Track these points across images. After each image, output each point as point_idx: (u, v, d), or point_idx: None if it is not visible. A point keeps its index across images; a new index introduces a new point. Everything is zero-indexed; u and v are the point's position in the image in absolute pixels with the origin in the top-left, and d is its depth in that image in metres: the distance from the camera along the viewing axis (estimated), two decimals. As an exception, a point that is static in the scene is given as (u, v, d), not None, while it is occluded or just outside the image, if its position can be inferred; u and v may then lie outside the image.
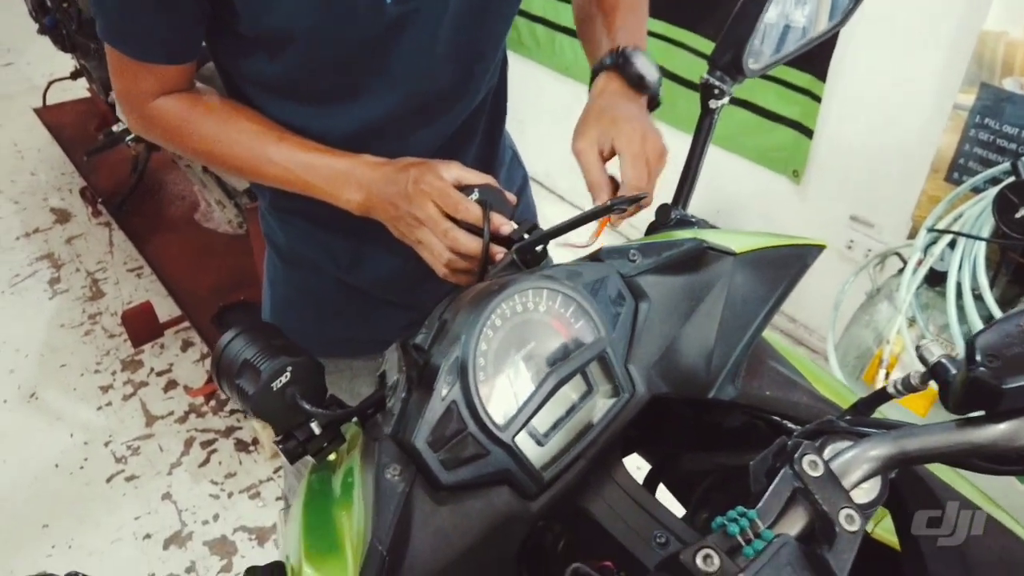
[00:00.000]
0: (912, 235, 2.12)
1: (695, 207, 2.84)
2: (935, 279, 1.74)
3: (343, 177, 0.83)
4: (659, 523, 0.63)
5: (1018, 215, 1.48)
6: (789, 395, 0.72)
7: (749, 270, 0.69)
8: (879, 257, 1.95)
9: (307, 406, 0.63)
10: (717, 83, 0.73)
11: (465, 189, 0.78)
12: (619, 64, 0.86)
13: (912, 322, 1.76)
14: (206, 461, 2.12)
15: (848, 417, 0.62)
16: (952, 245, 1.69)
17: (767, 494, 0.51)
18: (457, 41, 0.84)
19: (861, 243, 2.24)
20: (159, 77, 0.84)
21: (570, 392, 0.61)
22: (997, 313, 1.62)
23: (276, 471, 2.08)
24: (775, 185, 2.35)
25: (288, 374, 0.63)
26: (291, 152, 0.84)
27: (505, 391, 0.59)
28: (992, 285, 1.66)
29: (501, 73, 0.96)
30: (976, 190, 1.75)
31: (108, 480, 2.07)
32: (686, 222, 0.76)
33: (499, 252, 0.74)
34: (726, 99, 0.74)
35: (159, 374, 2.41)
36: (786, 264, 0.70)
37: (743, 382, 0.71)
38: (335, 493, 0.64)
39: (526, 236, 0.76)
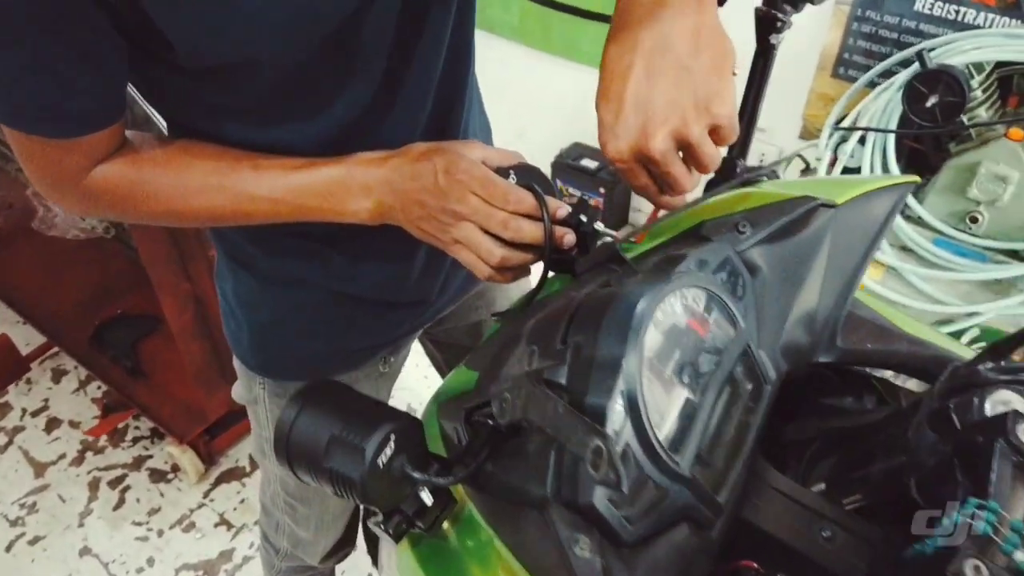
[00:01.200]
0: (804, 135, 2.18)
1: (586, 134, 2.74)
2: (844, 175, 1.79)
3: (342, 187, 0.69)
4: (821, 516, 0.58)
5: (928, 104, 1.53)
6: (889, 344, 0.68)
7: (847, 219, 0.63)
8: (785, 161, 1.99)
9: (418, 475, 0.52)
10: (778, 14, 0.64)
11: (499, 172, 0.66)
12: None
13: (829, 220, 1.81)
14: (121, 502, 1.88)
15: (990, 364, 0.59)
16: (862, 141, 1.73)
17: (994, 476, 0.47)
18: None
19: (754, 149, 2.27)
20: (89, 149, 0.65)
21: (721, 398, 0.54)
22: (909, 198, 1.69)
23: (206, 495, 1.88)
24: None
25: (392, 443, 0.51)
26: (273, 180, 0.69)
27: (667, 416, 0.50)
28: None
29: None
30: (871, 84, 1.80)
31: (8, 548, 1.79)
32: (752, 174, 0.68)
33: (564, 234, 0.65)
34: (787, 30, 0.66)
35: (34, 414, 2.10)
36: (881, 205, 0.65)
37: (841, 338, 0.66)
38: (467, 570, 0.54)
39: (583, 218, 0.66)
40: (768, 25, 0.64)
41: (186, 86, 0.66)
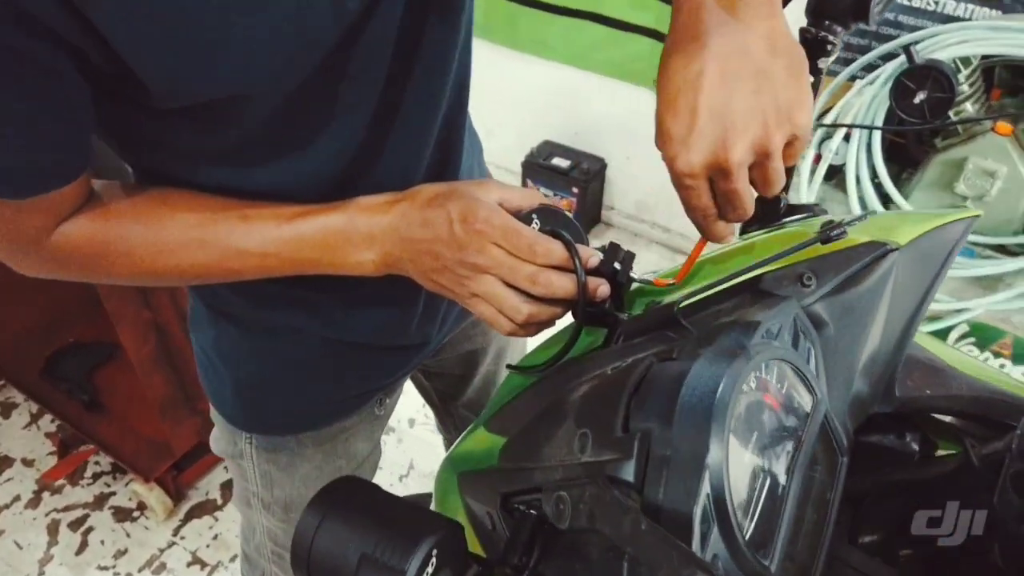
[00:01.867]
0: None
1: (556, 132, 2.65)
2: (828, 173, 1.75)
3: (343, 237, 0.61)
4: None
5: (916, 100, 1.49)
6: (948, 388, 0.62)
7: (909, 260, 0.57)
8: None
9: (464, 594, 0.44)
10: (828, 35, 0.58)
11: (519, 217, 0.59)
12: None
13: (813, 218, 1.77)
14: (84, 545, 1.76)
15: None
16: (846, 138, 1.69)
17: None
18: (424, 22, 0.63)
19: (729, 144, 2.23)
20: (51, 207, 0.56)
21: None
22: (896, 195, 1.66)
23: (176, 533, 1.78)
24: (637, 98, 2.27)
25: (434, 560, 0.43)
26: (264, 232, 0.60)
27: (751, 510, 0.43)
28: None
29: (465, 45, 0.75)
30: (852, 79, 1.76)
31: (-38, 603, 1.66)
32: (797, 210, 0.62)
33: (598, 286, 0.58)
34: (837, 53, 0.60)
35: (-17, 454, 1.96)
36: (943, 243, 0.59)
37: (898, 385, 0.61)
38: None
39: (617, 266, 0.59)
40: (817, 48, 0.58)
41: (156, 128, 0.57)
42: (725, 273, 0.60)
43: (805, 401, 0.48)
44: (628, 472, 0.42)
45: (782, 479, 0.45)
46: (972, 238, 1.63)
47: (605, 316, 0.58)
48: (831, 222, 0.45)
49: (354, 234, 0.61)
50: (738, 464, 0.43)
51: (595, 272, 0.58)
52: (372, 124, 0.63)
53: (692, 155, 0.51)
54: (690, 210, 0.55)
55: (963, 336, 1.71)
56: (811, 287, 0.52)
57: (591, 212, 2.59)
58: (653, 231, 2.58)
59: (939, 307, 1.67)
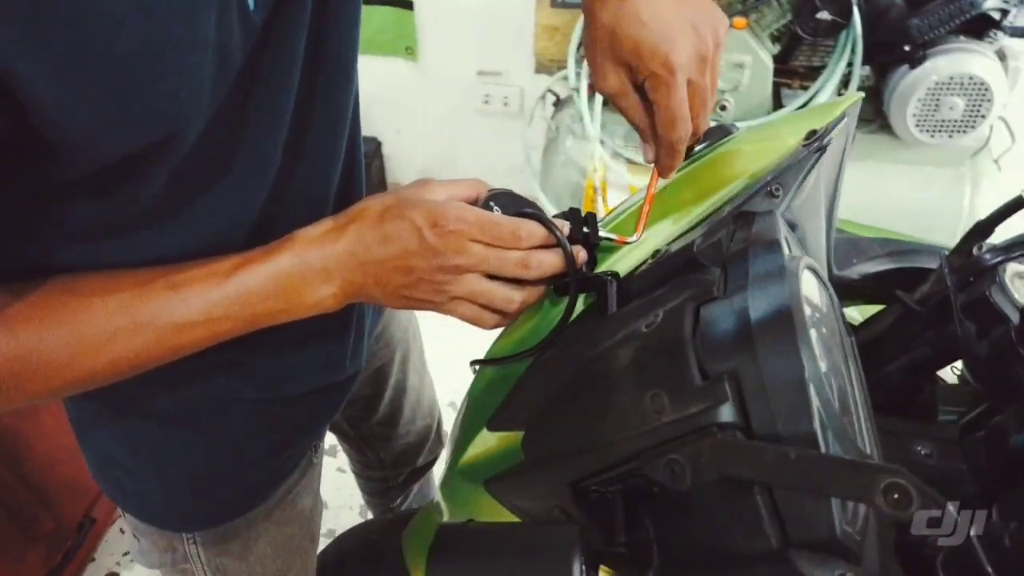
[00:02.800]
0: (539, 69, 2.22)
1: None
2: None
3: (296, 279, 0.54)
4: (912, 436, 0.59)
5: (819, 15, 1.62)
6: (866, 254, 0.71)
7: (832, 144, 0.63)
8: (555, 98, 2.01)
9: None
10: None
11: (481, 203, 0.57)
12: None
13: (601, 143, 1.88)
14: None
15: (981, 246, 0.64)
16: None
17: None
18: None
19: (495, 94, 2.28)
20: None
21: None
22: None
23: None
24: (393, 68, 2.24)
25: (584, 566, 0.42)
26: (204, 296, 0.52)
27: (842, 410, 0.47)
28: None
29: None
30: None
31: None
32: (725, 130, 0.66)
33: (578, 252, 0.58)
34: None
35: None
36: (843, 129, 0.66)
37: (835, 264, 0.68)
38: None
39: (586, 230, 0.59)
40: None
41: (35, 212, 0.47)
42: (679, 210, 0.63)
43: (823, 299, 0.52)
44: (729, 414, 0.43)
45: (843, 372, 0.49)
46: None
47: (592, 280, 0.58)
48: (814, 132, 0.49)
49: (308, 272, 0.55)
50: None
51: (571, 240, 0.58)
52: (286, 149, 0.56)
53: (677, 53, 0.56)
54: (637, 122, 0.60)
55: (752, 212, 1.92)
56: (779, 196, 0.56)
57: (378, 192, 2.53)
58: (443, 196, 2.59)
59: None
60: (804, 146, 0.49)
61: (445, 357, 1.97)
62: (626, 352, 0.51)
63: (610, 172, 1.89)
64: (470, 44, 2.20)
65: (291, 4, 0.51)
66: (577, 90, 1.86)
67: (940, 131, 1.67)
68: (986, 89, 1.59)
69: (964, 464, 0.58)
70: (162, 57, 0.40)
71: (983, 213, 0.62)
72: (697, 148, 0.66)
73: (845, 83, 1.74)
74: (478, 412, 0.66)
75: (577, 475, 0.52)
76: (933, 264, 0.69)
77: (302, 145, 0.58)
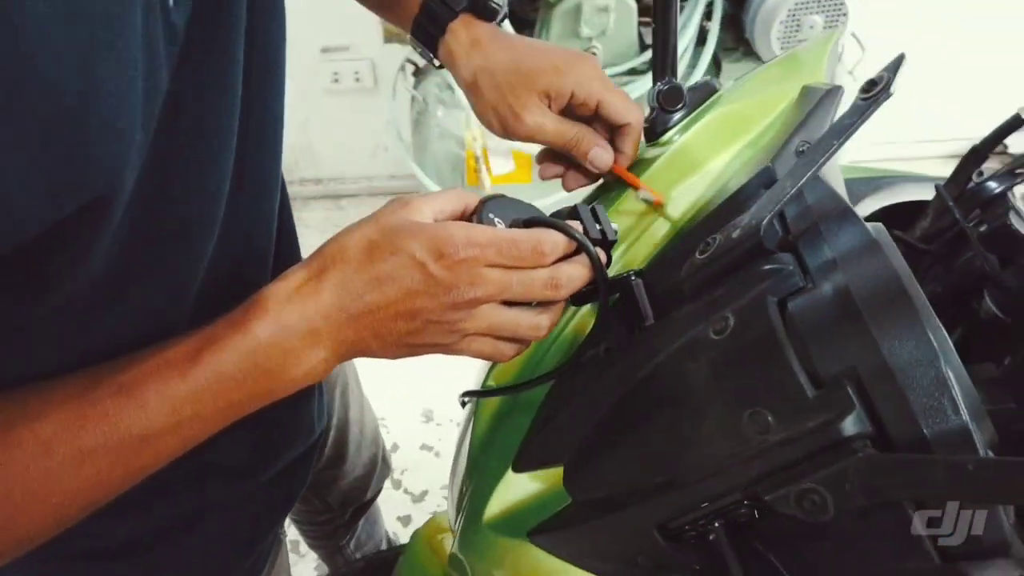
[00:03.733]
0: (388, 38, 2.08)
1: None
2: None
3: (277, 351, 0.43)
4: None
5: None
6: (864, 195, 0.67)
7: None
8: (413, 67, 1.88)
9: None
10: None
11: (479, 216, 0.48)
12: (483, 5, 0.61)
13: (475, 110, 1.78)
14: None
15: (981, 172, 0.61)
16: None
17: None
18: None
19: (345, 70, 2.12)
20: None
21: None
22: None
23: None
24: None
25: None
26: (166, 394, 0.40)
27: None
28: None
29: None
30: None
31: None
32: (711, 87, 0.59)
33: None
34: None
35: None
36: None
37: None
38: None
39: (599, 226, 0.51)
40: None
41: None
42: (703, 166, 0.55)
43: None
44: (859, 424, 0.37)
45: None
46: (607, 71, 1.78)
47: (617, 284, 0.50)
48: (873, 82, 0.42)
49: (290, 339, 0.43)
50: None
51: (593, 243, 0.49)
52: (232, 193, 0.44)
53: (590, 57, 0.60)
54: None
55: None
56: (805, 151, 0.50)
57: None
58: (305, 187, 2.41)
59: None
60: (863, 99, 0.43)
61: (415, 365, 1.85)
62: (696, 365, 0.44)
63: (489, 139, 1.80)
64: (309, 20, 2.02)
65: (219, 23, 0.39)
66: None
67: (803, 50, 1.71)
68: (841, 4, 1.63)
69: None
70: (98, 98, 0.29)
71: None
72: (677, 116, 0.59)
73: (708, 15, 1.73)
74: (492, 452, 0.58)
75: (666, 516, 0.44)
76: (921, 195, 0.67)
77: (244, 181, 0.46)
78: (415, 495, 1.68)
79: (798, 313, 0.40)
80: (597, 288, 0.49)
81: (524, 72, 0.58)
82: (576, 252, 0.47)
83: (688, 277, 0.46)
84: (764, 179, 0.49)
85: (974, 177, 0.61)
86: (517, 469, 0.54)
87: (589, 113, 0.60)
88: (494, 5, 0.62)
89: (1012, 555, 0.37)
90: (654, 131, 0.60)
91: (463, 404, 0.68)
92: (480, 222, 0.47)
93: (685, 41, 1.72)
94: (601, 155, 0.60)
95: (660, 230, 0.54)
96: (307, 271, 0.45)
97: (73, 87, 0.29)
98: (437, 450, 1.76)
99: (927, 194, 0.65)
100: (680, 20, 1.75)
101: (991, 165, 0.60)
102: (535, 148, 1.91)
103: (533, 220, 0.47)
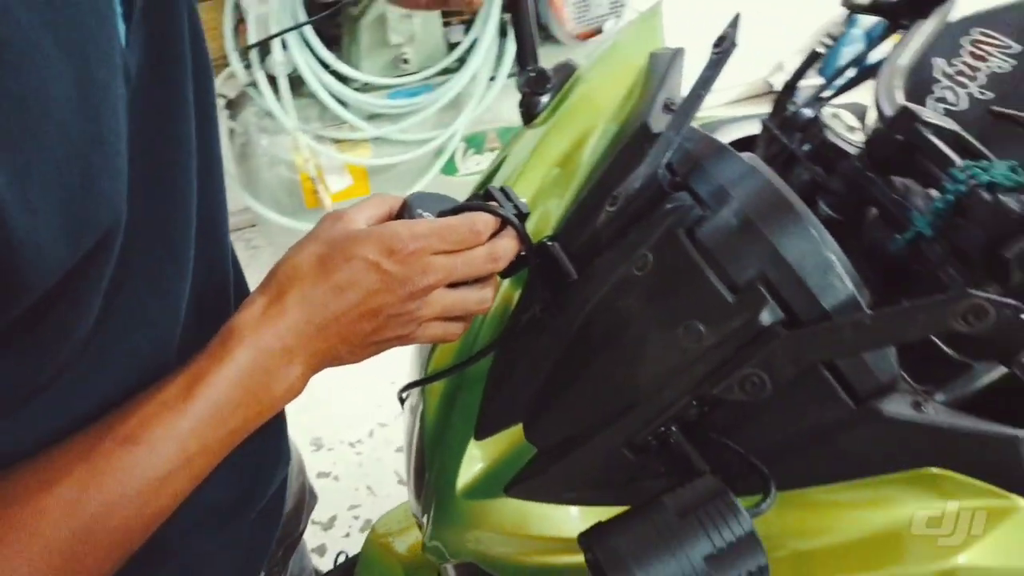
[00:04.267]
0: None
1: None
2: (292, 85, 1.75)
3: (261, 372, 0.45)
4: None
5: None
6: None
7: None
8: (225, 100, 1.83)
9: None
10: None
11: (410, 213, 0.53)
12: None
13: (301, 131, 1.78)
14: None
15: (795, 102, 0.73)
16: (282, 46, 1.68)
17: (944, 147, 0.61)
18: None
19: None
20: None
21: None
22: (352, 72, 1.75)
23: None
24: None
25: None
26: (172, 434, 0.42)
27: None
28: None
29: None
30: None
31: None
32: (570, 67, 0.66)
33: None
34: None
35: None
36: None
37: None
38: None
39: (512, 202, 0.57)
40: None
41: None
42: (562, 162, 0.62)
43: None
44: (775, 313, 0.46)
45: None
46: (421, 75, 1.83)
47: (540, 251, 0.57)
48: (722, 38, 0.51)
49: (270, 359, 0.46)
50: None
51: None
52: (196, 230, 0.46)
53: None
54: None
55: (466, 152, 1.97)
56: (675, 107, 0.58)
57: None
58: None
59: (437, 143, 1.88)
60: (716, 53, 0.51)
61: (362, 383, 1.76)
62: (627, 300, 0.51)
63: (321, 157, 1.81)
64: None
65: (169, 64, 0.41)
66: (254, 84, 1.72)
67: (594, 24, 1.85)
68: (620, -22, 1.79)
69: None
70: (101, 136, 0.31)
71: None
72: (545, 99, 0.66)
73: (505, 8, 1.83)
74: (450, 429, 0.62)
75: (631, 434, 0.51)
76: (750, 131, 0.78)
77: (203, 218, 0.48)
78: (324, 523, 1.67)
79: (705, 237, 0.48)
80: (522, 259, 0.54)
81: None
82: (501, 228, 0.53)
83: (603, 228, 0.53)
84: (643, 134, 0.56)
85: (789, 107, 0.73)
86: (480, 436, 0.59)
87: None
88: None
89: (899, 389, 0.48)
90: (529, 114, 0.66)
91: (402, 401, 0.71)
92: (411, 218, 0.51)
93: (488, 38, 1.81)
94: None
95: (562, 200, 0.61)
96: (267, 296, 0.47)
97: (81, 127, 0.30)
98: (335, 474, 1.75)
99: (754, 129, 0.76)
100: (482, 11, 1.83)
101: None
102: (369, 161, 1.97)
103: (461, 207, 0.52)
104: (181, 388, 0.42)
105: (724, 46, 0.50)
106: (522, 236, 0.53)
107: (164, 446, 0.41)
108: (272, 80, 1.69)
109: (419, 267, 0.48)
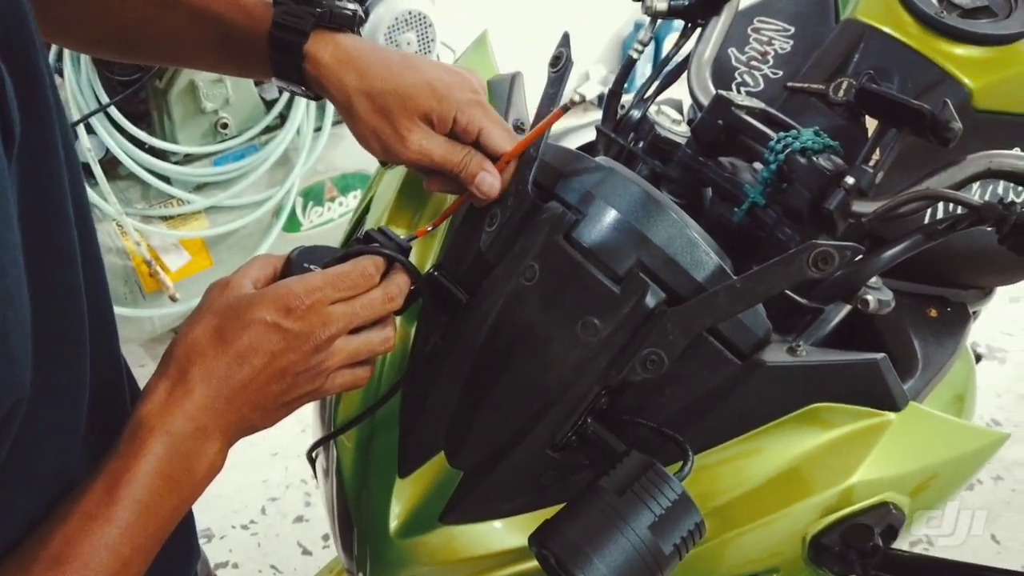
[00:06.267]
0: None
1: None
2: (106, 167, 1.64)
3: (179, 458, 0.44)
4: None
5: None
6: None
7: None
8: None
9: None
10: None
11: (297, 269, 0.53)
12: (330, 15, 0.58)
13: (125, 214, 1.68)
14: None
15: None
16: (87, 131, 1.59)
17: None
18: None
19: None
20: None
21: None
22: (172, 146, 1.69)
23: None
24: None
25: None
26: (101, 546, 0.40)
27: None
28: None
29: None
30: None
31: None
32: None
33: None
34: None
35: None
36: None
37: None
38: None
39: (390, 237, 0.59)
40: None
41: None
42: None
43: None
44: (657, 294, 0.51)
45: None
46: (246, 135, 1.79)
47: (429, 280, 0.59)
48: (557, 58, 0.55)
49: (185, 443, 0.45)
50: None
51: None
52: (92, 334, 0.44)
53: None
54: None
55: (306, 206, 1.94)
56: (525, 129, 0.62)
57: None
58: None
59: (276, 201, 1.84)
60: (555, 72, 0.55)
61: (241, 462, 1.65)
62: (523, 311, 0.54)
63: (152, 238, 1.72)
64: None
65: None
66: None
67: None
68: (424, 17, 1.84)
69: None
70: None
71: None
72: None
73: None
74: (372, 475, 0.62)
75: (551, 434, 0.54)
76: (586, 139, 0.84)
77: (88, 284, 0.45)
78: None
79: (582, 238, 0.52)
80: (413, 292, 0.56)
81: (403, 94, 0.57)
82: (389, 267, 0.54)
83: (487, 248, 0.55)
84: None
85: (619, 111, 0.79)
86: (404, 474, 0.60)
87: (470, 140, 0.58)
88: (345, 11, 0.58)
89: (773, 341, 0.54)
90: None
91: (312, 460, 0.70)
92: (300, 273, 0.52)
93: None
94: (488, 180, 0.57)
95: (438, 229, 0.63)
96: (168, 379, 0.46)
97: None
98: (233, 562, 1.66)
99: (591, 136, 0.81)
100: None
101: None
102: (205, 232, 1.89)
103: (346, 254, 0.53)
104: (101, 494, 0.41)
105: (561, 64, 0.55)
106: (411, 271, 0.54)
107: (97, 558, 0.39)
108: (84, 167, 1.60)
109: (319, 320, 0.48)
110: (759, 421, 0.53)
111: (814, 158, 0.62)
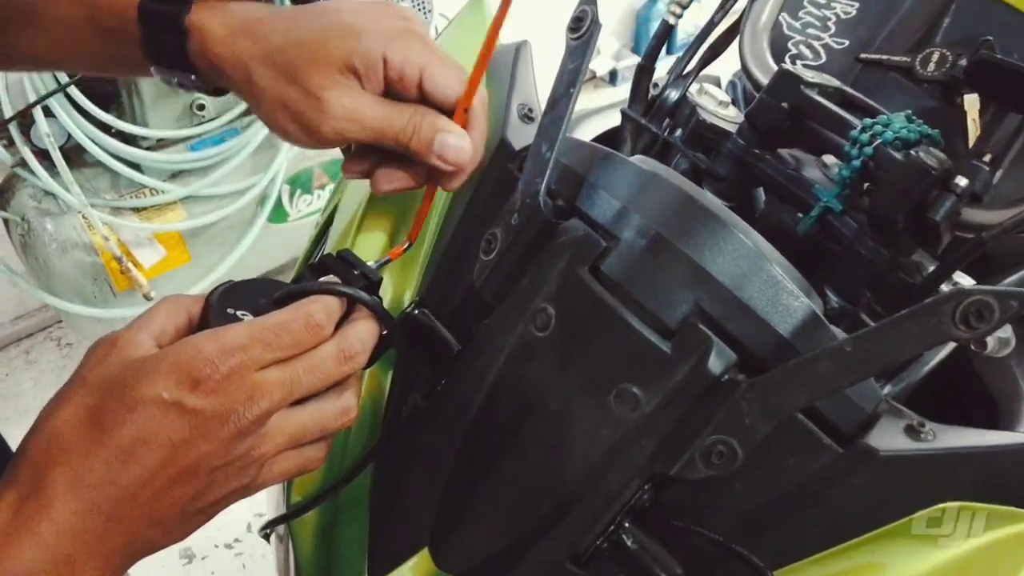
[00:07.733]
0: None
1: None
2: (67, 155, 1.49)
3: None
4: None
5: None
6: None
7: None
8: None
9: None
10: None
11: (217, 317, 0.38)
12: None
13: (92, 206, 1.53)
14: None
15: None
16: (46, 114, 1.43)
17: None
18: None
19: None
20: None
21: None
22: (148, 131, 1.54)
23: None
24: None
25: None
26: None
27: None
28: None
29: None
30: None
31: None
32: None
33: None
34: None
35: None
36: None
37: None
38: None
39: (356, 272, 0.44)
40: None
41: None
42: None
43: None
44: (726, 355, 0.35)
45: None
46: (222, 119, 1.63)
47: (406, 321, 0.44)
48: (579, 19, 0.39)
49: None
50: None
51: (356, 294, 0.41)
52: None
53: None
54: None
55: (293, 194, 1.79)
56: (535, 118, 0.47)
57: None
58: None
59: (261, 187, 1.69)
60: (575, 38, 0.39)
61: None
62: (533, 371, 0.39)
63: (123, 232, 1.57)
64: None
65: None
66: (23, 163, 1.46)
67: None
68: (421, -11, 1.68)
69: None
70: None
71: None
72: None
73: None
74: (334, 572, 0.48)
75: (572, 543, 0.39)
76: (611, 124, 0.68)
77: None
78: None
79: (614, 272, 0.37)
80: (385, 338, 0.41)
81: (309, 42, 0.42)
82: (350, 309, 0.39)
83: (484, 282, 0.40)
84: (504, 154, 0.45)
85: (651, 91, 0.63)
86: (376, 575, 0.45)
87: (413, 91, 0.43)
88: None
89: (881, 412, 0.39)
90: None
91: (266, 537, 0.56)
92: (221, 323, 0.37)
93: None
94: (451, 143, 0.42)
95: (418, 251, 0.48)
96: (15, 489, 0.31)
97: None
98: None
99: (613, 122, 0.66)
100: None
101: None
102: (182, 224, 1.73)
103: (287, 294, 0.38)
104: None
105: (585, 28, 0.39)
106: (379, 314, 0.39)
107: None
108: (44, 154, 1.44)
109: (242, 393, 0.34)
110: (865, 527, 0.38)
111: (912, 152, 0.47)
